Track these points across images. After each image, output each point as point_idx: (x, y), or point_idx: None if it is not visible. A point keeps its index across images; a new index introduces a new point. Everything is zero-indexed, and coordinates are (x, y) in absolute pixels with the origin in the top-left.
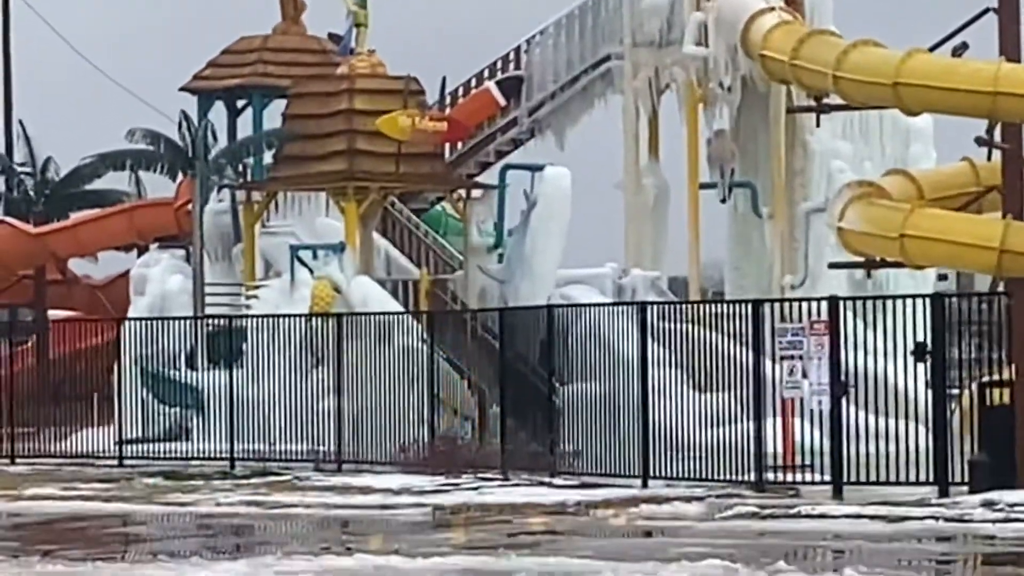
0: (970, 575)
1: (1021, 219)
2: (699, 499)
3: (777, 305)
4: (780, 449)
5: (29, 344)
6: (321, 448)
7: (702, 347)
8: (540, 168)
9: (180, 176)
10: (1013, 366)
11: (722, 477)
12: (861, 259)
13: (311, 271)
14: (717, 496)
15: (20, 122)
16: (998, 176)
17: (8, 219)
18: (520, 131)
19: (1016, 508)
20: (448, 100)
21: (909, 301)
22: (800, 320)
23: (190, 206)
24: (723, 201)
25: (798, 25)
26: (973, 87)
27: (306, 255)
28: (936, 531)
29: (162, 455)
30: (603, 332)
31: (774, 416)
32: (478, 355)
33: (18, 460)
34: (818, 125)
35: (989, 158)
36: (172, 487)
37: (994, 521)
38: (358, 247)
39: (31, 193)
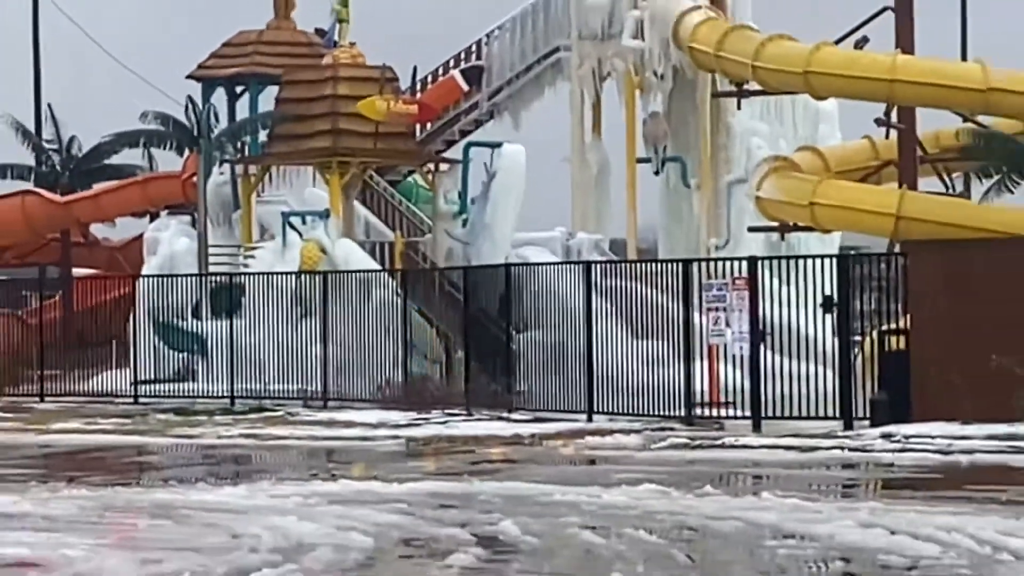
0: (872, 497)
1: (915, 189)
2: (637, 432)
3: (704, 264)
4: (706, 388)
5: (56, 298)
6: (309, 388)
7: (639, 300)
8: (498, 145)
9: (187, 152)
10: (908, 316)
11: (657, 413)
12: (776, 224)
13: (300, 234)
14: (652, 429)
15: (48, 105)
16: (895, 152)
17: (38, 190)
18: (481, 113)
19: (911, 439)
20: (419, 86)
21: (818, 261)
22: (724, 277)
23: (195, 178)
24: (656, 174)
25: (722, 21)
26: (873, 75)
27: (296, 221)
28: (842, 459)
29: (171, 394)
30: (553, 287)
31: (701, 360)
32: (445, 307)
33: (47, 398)
34: (739, 108)
35: (887, 136)
36: (180, 422)
37: (892, 451)
38: (341, 214)
39: (58, 167)
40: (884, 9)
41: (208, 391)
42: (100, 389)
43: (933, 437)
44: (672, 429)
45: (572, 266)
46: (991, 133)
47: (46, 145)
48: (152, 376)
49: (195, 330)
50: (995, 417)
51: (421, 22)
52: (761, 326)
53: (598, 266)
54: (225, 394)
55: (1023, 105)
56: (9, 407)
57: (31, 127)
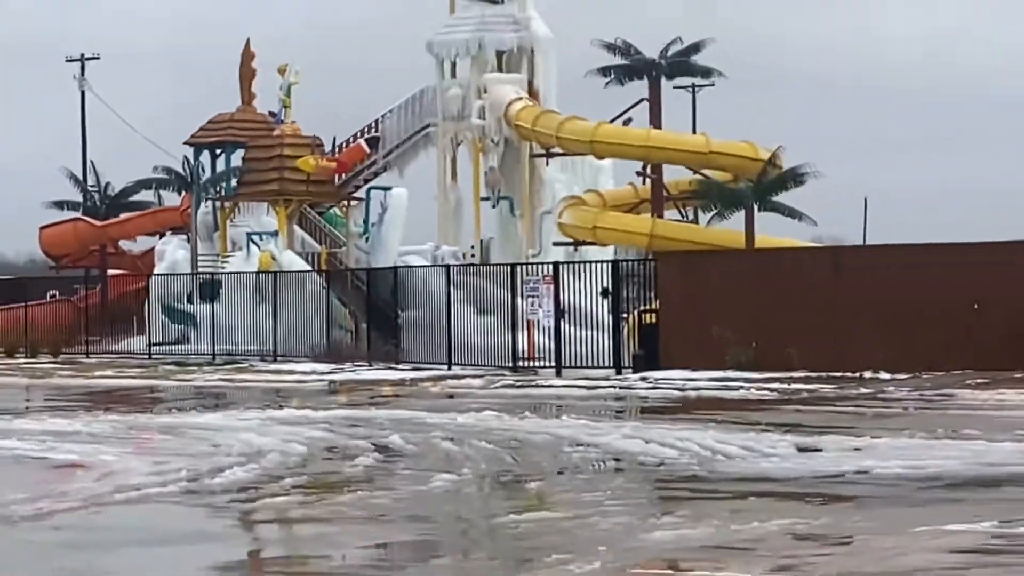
0: (633, 419)
1: (662, 218)
2: (480, 377)
3: (524, 267)
4: (526, 348)
5: (97, 288)
6: (265, 348)
7: (482, 290)
8: (389, 189)
9: (183, 193)
10: (658, 302)
11: (494, 364)
12: (572, 240)
13: (259, 247)
14: (490, 375)
15: (92, 161)
16: (648, 193)
17: (85, 217)
18: (378, 168)
19: (659, 381)
20: (337, 150)
21: (599, 264)
22: (537, 275)
23: (189, 210)
24: (494, 207)
25: (536, 107)
26: (635, 143)
27: (256, 238)
28: (614, 394)
29: (173, 353)
30: (426, 282)
31: (522, 330)
32: (355, 296)
33: (91, 355)
34: (547, 164)
35: (644, 183)
36: (179, 371)
37: (647, 388)
38: (286, 234)
39: (97, 203)
40: (641, 100)
41: (197, 350)
42: (125, 349)
43: (674, 380)
44: (503, 375)
45: (438, 268)
46: (711, 181)
47: (90, 188)
48: (160, 340)
49: (189, 311)
50: (714, 367)
51: (340, 105)
52: (561, 307)
53: (454, 268)
54: (209, 352)
55: (732, 164)
56: (66, 361)
57: (80, 176)
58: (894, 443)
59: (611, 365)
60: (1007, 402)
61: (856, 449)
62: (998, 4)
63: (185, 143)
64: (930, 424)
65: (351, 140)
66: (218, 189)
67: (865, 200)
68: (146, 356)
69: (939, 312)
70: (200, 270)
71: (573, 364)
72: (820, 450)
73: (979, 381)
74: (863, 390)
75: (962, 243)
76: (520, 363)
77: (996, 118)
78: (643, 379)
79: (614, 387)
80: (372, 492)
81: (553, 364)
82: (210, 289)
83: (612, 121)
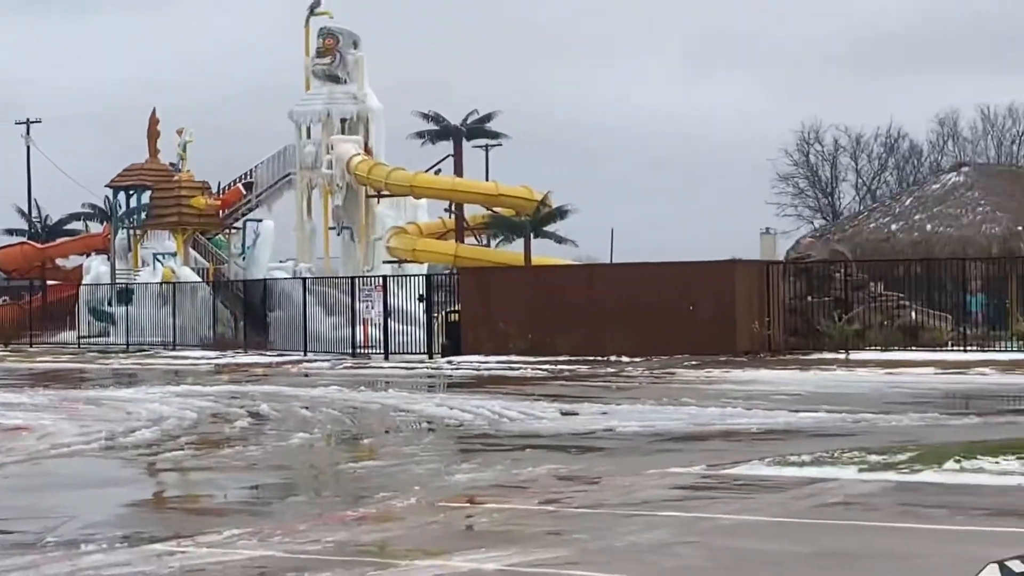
0: (441, 391)
1: (463, 243)
2: (328, 361)
3: (361, 279)
4: (362, 339)
5: (39, 295)
6: (167, 340)
7: (330, 296)
8: (260, 221)
9: (105, 223)
10: (460, 304)
11: (338, 352)
12: (397, 259)
13: (162, 264)
14: (336, 360)
15: (35, 199)
16: (453, 224)
17: (30, 241)
18: (252, 205)
19: (461, 364)
20: (222, 192)
21: (417, 277)
22: (371, 285)
23: (110, 236)
24: (338, 235)
25: (371, 160)
26: (443, 188)
27: (160, 257)
28: (428, 374)
29: (97, 343)
30: (288, 290)
31: (360, 325)
32: (234, 301)
33: (33, 345)
34: (379, 203)
35: (450, 217)
36: (101, 357)
37: (452, 369)
38: (183, 254)
39: (39, 231)
40: (448, 156)
41: (116, 342)
42: (60, 340)
43: (471, 362)
44: (345, 359)
45: (297, 280)
46: (499, 216)
47: (34, 220)
48: (87, 334)
49: (109, 311)
50: (501, 353)
51: (223, 158)
52: (388, 309)
53: (309, 279)
54: (124, 343)
55: (514, 203)
56: (14, 350)
57: (26, 210)
58: (632, 408)
59: (426, 352)
60: (713, 378)
61: (604, 413)
62: (705, 91)
63: (107, 186)
64: (658, 394)
65: (232, 184)
66: (131, 220)
67: (612, 230)
68: (76, 346)
69: (665, 312)
70: (118, 281)
71: (398, 351)
72: (577, 414)
73: (693, 362)
74: (610, 370)
75: (681, 262)
76: (358, 350)
77: (709, 174)
78: (449, 362)
79: (427, 368)
80: (246, 447)
81: (383, 351)
82: (125, 295)
83: (427, 171)
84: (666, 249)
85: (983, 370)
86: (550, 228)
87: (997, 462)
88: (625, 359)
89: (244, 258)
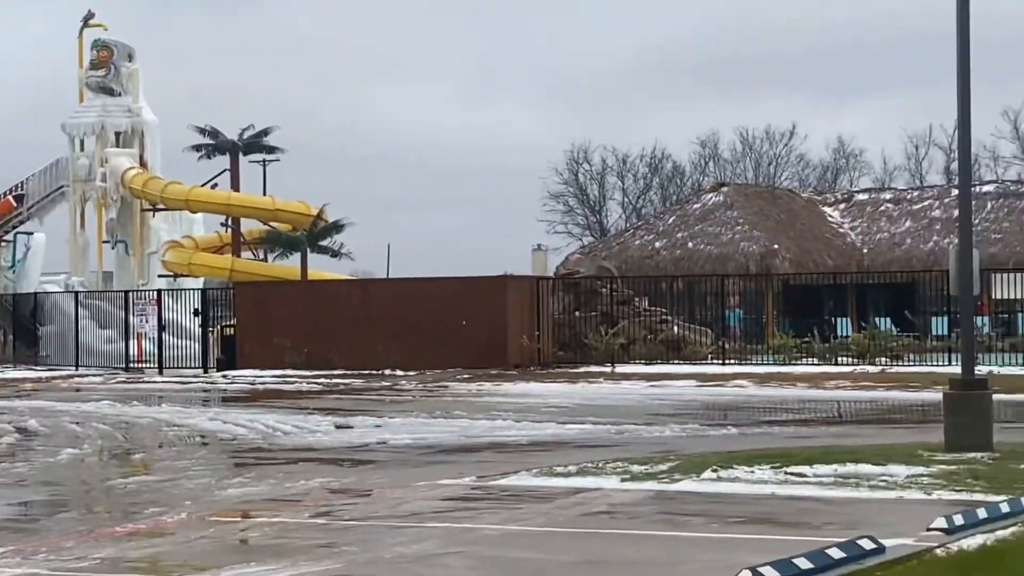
0: (216, 405)
1: (240, 257)
2: (100, 376)
3: (136, 293)
4: (136, 353)
5: None
6: None
7: (103, 310)
8: (32, 233)
9: None
10: (236, 319)
11: (111, 366)
12: (172, 273)
13: None
14: (108, 374)
15: None
16: (230, 239)
17: None
18: (23, 217)
19: (237, 377)
20: None
21: (193, 291)
22: (145, 298)
23: None
24: (113, 248)
25: (146, 174)
26: (219, 202)
27: None
28: (203, 388)
29: None
30: (59, 304)
31: (134, 339)
32: (4, 314)
33: None
34: (154, 216)
35: (227, 231)
36: None
37: (227, 383)
38: None
39: None
40: (224, 170)
41: None
42: None
43: (247, 376)
44: (118, 374)
45: (69, 293)
46: (276, 231)
47: None
48: None
49: None
50: (276, 367)
51: None
52: (163, 323)
53: (81, 293)
54: None
55: (291, 218)
56: None
57: None
58: (404, 421)
59: (201, 366)
60: (485, 391)
61: (377, 426)
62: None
63: None
64: (430, 407)
65: (2, 196)
66: None
67: (389, 245)
68: None
69: (438, 327)
70: None
71: (172, 365)
72: (352, 427)
73: (465, 376)
74: (383, 383)
75: (454, 277)
76: (131, 365)
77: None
78: (224, 376)
79: (203, 383)
80: (13, 463)
81: (157, 365)
82: None
83: (203, 185)
84: (442, 264)
85: (741, 382)
86: (326, 242)
87: (752, 471)
88: (399, 373)
89: (14, 271)
